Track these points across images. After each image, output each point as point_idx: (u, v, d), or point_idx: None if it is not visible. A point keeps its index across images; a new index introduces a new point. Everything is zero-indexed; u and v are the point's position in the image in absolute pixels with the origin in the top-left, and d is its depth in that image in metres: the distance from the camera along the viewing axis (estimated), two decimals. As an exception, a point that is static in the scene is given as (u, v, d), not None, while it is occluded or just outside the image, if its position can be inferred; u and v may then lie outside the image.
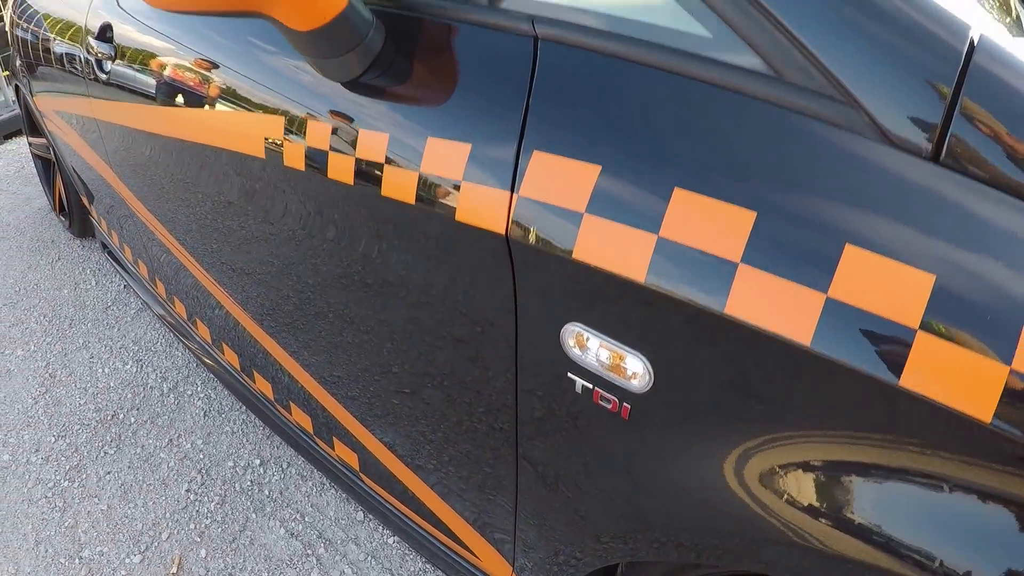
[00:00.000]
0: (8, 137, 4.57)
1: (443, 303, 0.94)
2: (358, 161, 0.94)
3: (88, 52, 1.73)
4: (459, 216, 0.83)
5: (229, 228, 1.38)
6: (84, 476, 1.92)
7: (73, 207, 2.78)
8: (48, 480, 1.93)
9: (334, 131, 0.97)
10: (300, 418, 1.52)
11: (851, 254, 0.60)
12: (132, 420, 2.06)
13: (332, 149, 0.97)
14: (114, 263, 2.57)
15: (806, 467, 0.67)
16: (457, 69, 0.85)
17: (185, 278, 1.76)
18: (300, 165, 1.04)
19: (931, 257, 0.58)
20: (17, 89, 2.91)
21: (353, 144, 0.94)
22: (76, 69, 1.86)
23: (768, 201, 0.64)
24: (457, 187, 0.82)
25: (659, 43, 0.73)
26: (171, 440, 1.98)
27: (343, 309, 1.16)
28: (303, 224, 1.13)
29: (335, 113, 0.97)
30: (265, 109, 1.09)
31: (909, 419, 0.60)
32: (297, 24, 0.81)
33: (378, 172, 0.91)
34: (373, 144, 0.91)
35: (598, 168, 0.72)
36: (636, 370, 0.74)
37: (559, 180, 0.74)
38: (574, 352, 0.79)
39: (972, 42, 0.60)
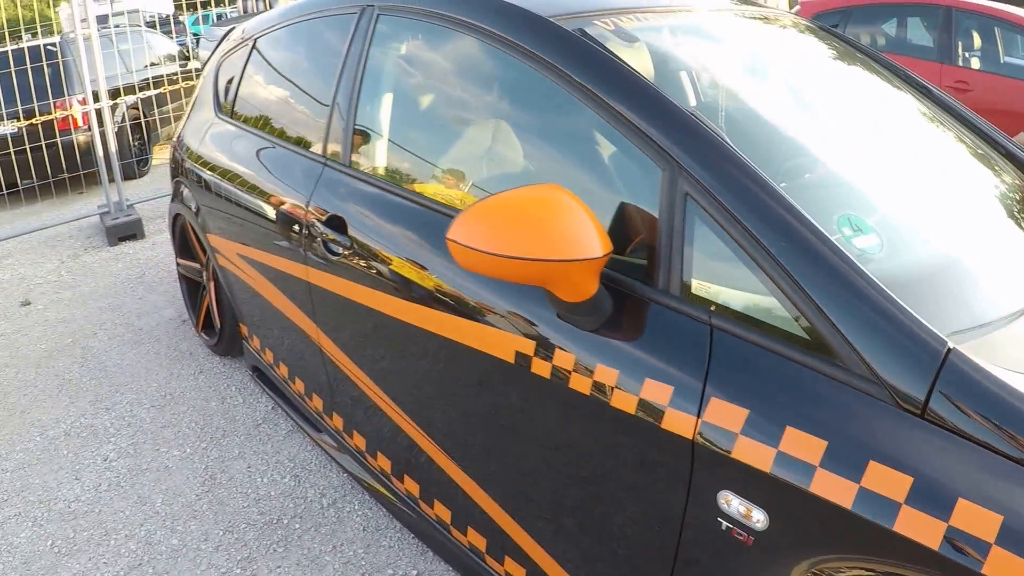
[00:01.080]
0: (122, 240, 5.06)
1: (639, 474, 1.35)
2: (596, 382, 1.38)
3: (312, 231, 2.15)
4: (664, 425, 1.29)
5: (454, 395, 1.76)
6: (256, 567, 2.22)
7: (226, 331, 3.17)
8: (221, 566, 2.23)
9: (578, 359, 1.41)
10: (475, 539, 1.85)
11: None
12: (296, 527, 2.38)
13: (575, 370, 1.41)
14: (265, 386, 2.94)
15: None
16: (654, 331, 1.34)
17: (378, 420, 2.12)
18: (546, 375, 1.46)
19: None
20: (175, 219, 3.37)
21: (591, 369, 1.38)
22: (290, 237, 2.27)
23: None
24: (663, 409, 1.28)
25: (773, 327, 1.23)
26: (335, 547, 2.28)
27: (548, 466, 1.55)
28: (530, 410, 1.54)
29: (580, 347, 1.41)
30: (520, 330, 1.52)
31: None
32: (568, 297, 1.33)
33: (609, 391, 1.36)
34: (608, 373, 1.36)
35: (746, 412, 1.20)
36: (759, 517, 1.19)
37: (728, 414, 1.21)
38: (723, 506, 1.24)
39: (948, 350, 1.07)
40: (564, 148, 1.73)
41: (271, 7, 6.16)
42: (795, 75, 2.01)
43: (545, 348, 1.46)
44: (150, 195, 6.01)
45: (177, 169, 3.24)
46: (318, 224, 2.12)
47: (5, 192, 5.59)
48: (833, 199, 1.49)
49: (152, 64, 7.28)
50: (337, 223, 2.06)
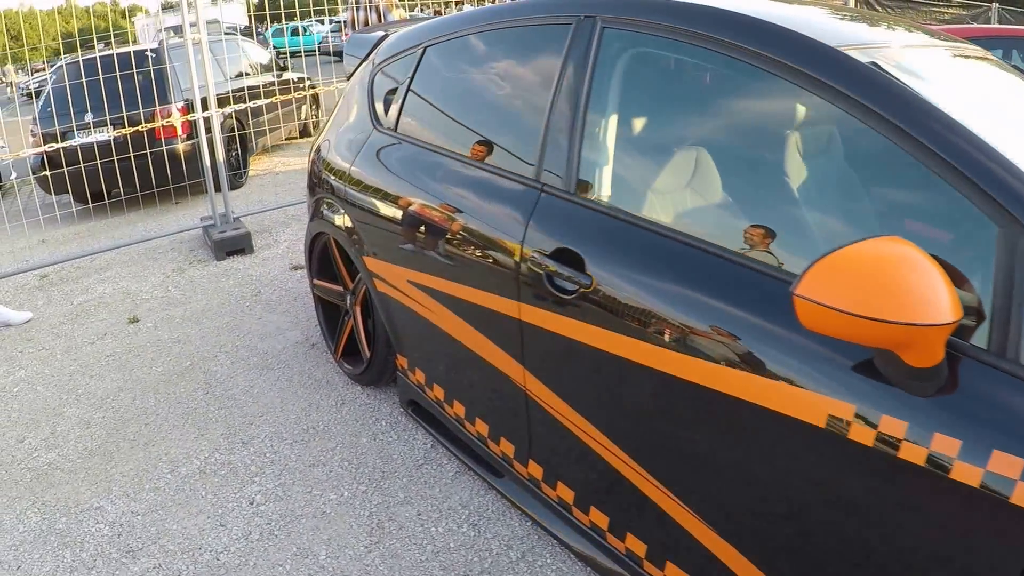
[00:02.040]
0: (229, 254, 4.90)
1: (990, 556, 1.20)
2: (933, 453, 1.21)
3: (532, 265, 1.90)
4: (1015, 500, 1.14)
5: (730, 458, 1.50)
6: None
7: (376, 361, 2.94)
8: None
9: (911, 426, 1.24)
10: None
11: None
12: (488, 586, 2.13)
13: (908, 438, 1.24)
14: (426, 424, 2.71)
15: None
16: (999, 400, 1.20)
17: (602, 474, 1.85)
18: (869, 442, 1.28)
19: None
20: (315, 238, 3.15)
21: (928, 439, 1.21)
22: (495, 269, 2.02)
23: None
24: (1014, 482, 1.14)
25: None
26: (535, 610, 2.03)
27: (859, 541, 1.34)
28: (841, 479, 1.34)
29: (915, 414, 1.24)
30: (833, 392, 1.32)
31: None
32: (917, 362, 1.20)
33: (949, 463, 1.19)
34: (948, 443, 1.20)
35: None
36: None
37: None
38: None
39: None
40: (871, 194, 1.55)
41: (384, 18, 5.97)
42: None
43: (868, 413, 1.29)
44: (254, 207, 5.87)
45: (318, 185, 3.03)
46: (539, 257, 1.87)
47: (107, 201, 5.49)
48: None
49: (247, 74, 7.17)
50: (569, 258, 1.80)
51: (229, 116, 6.26)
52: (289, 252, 4.94)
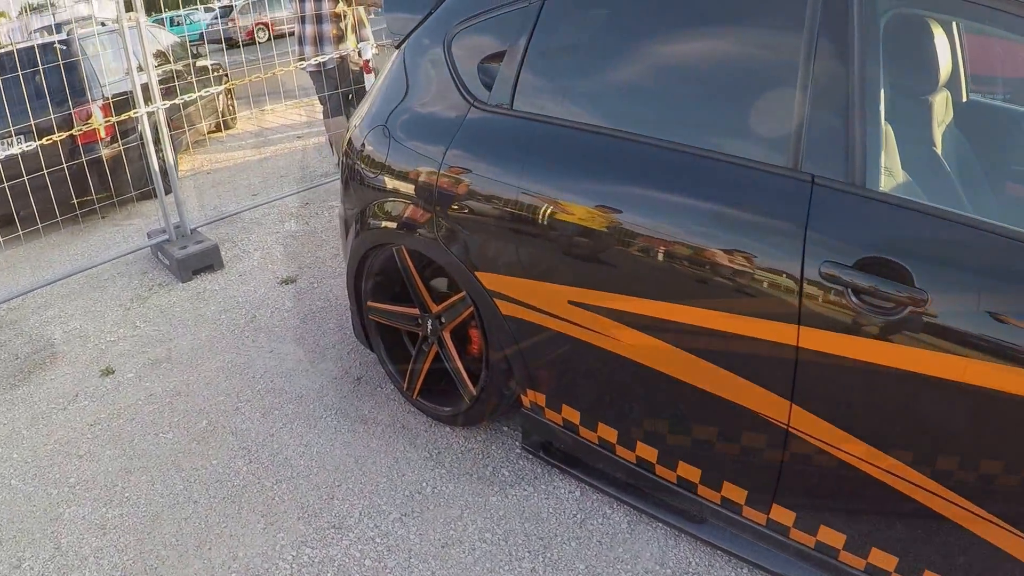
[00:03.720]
0: (196, 273, 4.08)
1: None
2: None
3: (832, 281, 1.44)
4: None
5: None
6: None
7: (491, 398, 2.35)
8: None
9: None
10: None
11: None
12: None
13: None
14: (577, 472, 2.18)
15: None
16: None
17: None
18: None
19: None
20: (365, 256, 2.50)
21: None
22: (762, 287, 1.53)
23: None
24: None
25: None
26: None
27: None
28: None
29: None
30: None
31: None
32: None
33: None
34: None
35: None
36: None
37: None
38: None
39: None
40: None
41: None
42: None
43: None
44: (211, 215, 4.97)
45: (370, 185, 2.38)
46: (837, 270, 1.44)
47: (21, 232, 4.48)
48: None
49: (163, 63, 6.16)
50: (884, 270, 1.36)
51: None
52: (267, 263, 4.17)
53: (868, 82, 1.46)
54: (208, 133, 7.56)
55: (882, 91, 1.47)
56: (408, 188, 2.25)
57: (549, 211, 1.88)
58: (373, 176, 2.38)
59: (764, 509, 1.77)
